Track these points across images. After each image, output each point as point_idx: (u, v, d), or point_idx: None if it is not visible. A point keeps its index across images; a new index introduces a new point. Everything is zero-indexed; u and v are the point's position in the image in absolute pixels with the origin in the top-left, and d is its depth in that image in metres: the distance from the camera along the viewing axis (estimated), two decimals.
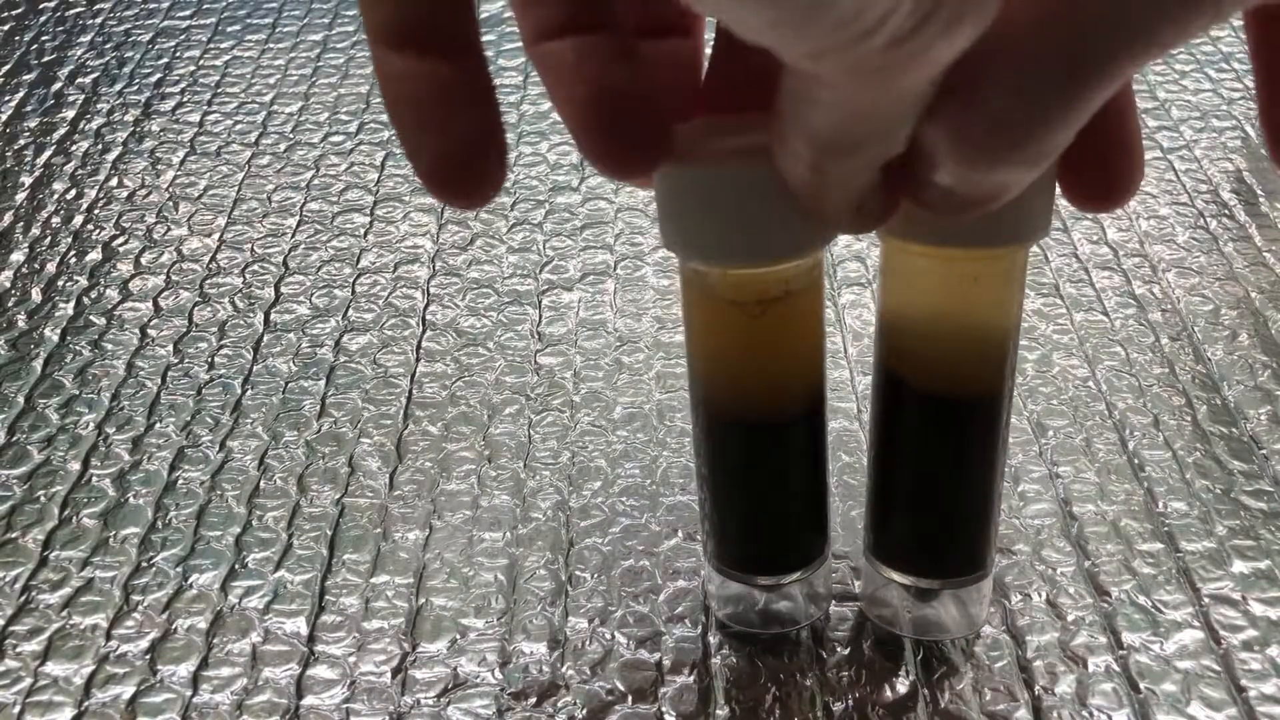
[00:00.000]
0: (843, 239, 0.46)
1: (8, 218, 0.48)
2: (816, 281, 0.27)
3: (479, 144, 0.23)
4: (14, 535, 0.34)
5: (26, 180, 0.51)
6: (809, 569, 0.30)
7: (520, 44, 0.51)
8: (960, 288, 0.27)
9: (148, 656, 0.30)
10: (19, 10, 0.64)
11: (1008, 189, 0.21)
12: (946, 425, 0.29)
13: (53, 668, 0.30)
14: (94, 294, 0.44)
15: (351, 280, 0.44)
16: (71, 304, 0.43)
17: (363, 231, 0.47)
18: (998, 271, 0.27)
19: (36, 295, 0.44)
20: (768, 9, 0.16)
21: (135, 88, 0.57)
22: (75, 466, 0.36)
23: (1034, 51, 0.19)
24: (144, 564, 0.33)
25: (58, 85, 0.58)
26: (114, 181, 0.51)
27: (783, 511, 0.29)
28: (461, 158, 0.23)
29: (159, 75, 0.58)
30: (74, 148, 0.53)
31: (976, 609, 0.30)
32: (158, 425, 0.38)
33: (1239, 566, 0.32)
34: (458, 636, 0.31)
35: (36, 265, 0.45)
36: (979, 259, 0.26)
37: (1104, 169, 0.21)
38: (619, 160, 0.23)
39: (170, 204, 0.49)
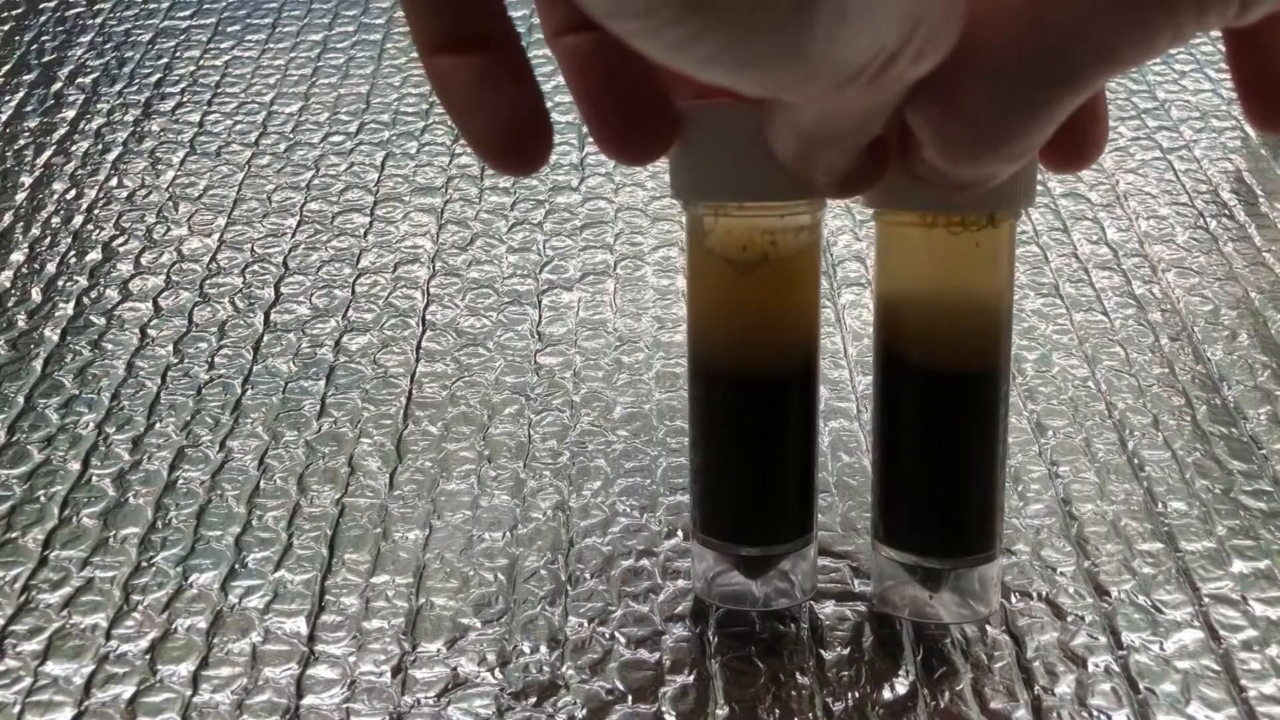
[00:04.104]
0: (842, 240, 0.46)
1: (8, 218, 0.48)
2: (807, 249, 0.28)
3: (523, 116, 0.25)
4: (14, 535, 0.34)
5: (26, 180, 0.51)
6: (792, 544, 0.30)
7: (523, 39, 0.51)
8: (957, 257, 0.28)
9: (148, 656, 0.30)
10: (19, 10, 0.64)
11: (992, 178, 0.23)
12: (948, 399, 0.29)
13: (53, 667, 0.30)
14: (94, 294, 0.44)
15: (351, 280, 0.44)
16: (71, 304, 0.43)
17: (363, 231, 0.47)
18: (994, 237, 0.28)
19: (36, 295, 0.44)
20: (763, 83, 0.18)
21: (135, 88, 0.57)
22: (75, 466, 0.36)
23: (1007, 65, 0.20)
24: (144, 564, 0.33)
25: (58, 85, 0.58)
26: (114, 181, 0.51)
27: (764, 473, 0.30)
28: (509, 130, 0.25)
29: (159, 75, 0.58)
30: (74, 148, 0.53)
31: (986, 594, 0.30)
32: (158, 425, 0.38)
33: (1239, 566, 0.32)
34: (458, 636, 0.31)
35: (36, 265, 0.46)
36: (976, 226, 0.28)
37: (1073, 134, 0.22)
38: (627, 150, 0.26)
39: (170, 204, 0.49)
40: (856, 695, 0.29)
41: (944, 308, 0.29)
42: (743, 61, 0.18)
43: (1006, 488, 0.32)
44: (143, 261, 0.46)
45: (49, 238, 0.47)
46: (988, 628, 0.31)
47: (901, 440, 0.30)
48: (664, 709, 0.29)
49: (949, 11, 0.19)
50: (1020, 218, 0.29)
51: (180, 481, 0.36)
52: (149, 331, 0.42)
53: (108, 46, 0.61)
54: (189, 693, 0.29)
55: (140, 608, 0.32)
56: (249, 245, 0.46)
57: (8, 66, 0.59)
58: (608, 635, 0.31)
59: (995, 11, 0.20)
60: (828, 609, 0.31)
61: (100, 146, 0.53)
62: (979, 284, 0.29)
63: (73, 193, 0.50)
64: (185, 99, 0.56)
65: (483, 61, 0.25)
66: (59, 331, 0.42)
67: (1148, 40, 0.19)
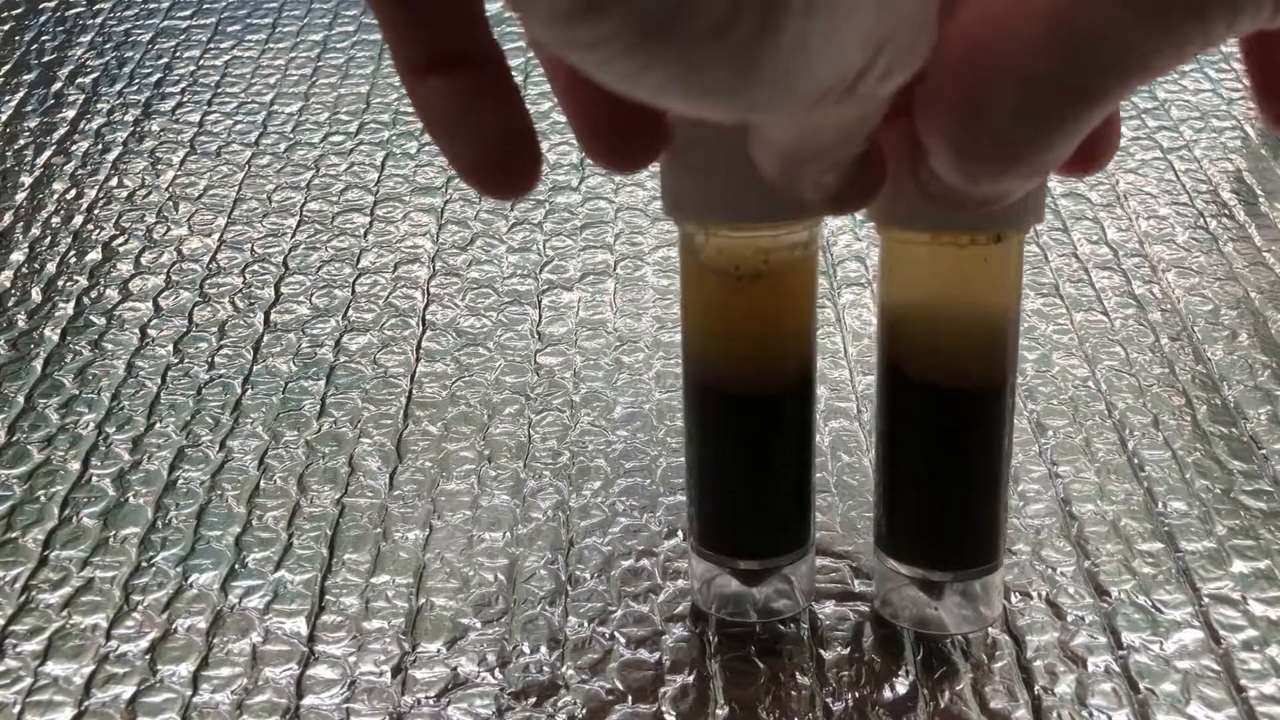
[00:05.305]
0: (842, 240, 0.46)
1: (8, 218, 0.48)
2: (801, 265, 0.28)
3: (508, 140, 0.25)
4: (14, 535, 0.34)
5: (26, 180, 0.51)
6: (787, 557, 0.30)
7: (518, 45, 0.51)
8: (964, 272, 0.28)
9: (148, 656, 0.30)
10: (19, 10, 0.64)
11: (1010, 194, 0.22)
12: (952, 415, 0.29)
13: (53, 668, 0.30)
14: (94, 294, 0.44)
15: (351, 280, 0.44)
16: (71, 304, 0.43)
17: (363, 231, 0.47)
18: (1002, 253, 0.28)
19: (36, 295, 0.44)
20: (723, 111, 0.18)
21: (135, 88, 0.57)
22: (75, 466, 0.36)
23: (1033, 77, 0.20)
24: (144, 564, 0.33)
25: (58, 85, 0.58)
26: (114, 181, 0.51)
27: (760, 488, 0.30)
28: (495, 156, 0.25)
29: (159, 75, 0.58)
30: (74, 148, 0.53)
31: (989, 602, 0.30)
32: (158, 425, 0.38)
33: (1239, 566, 0.32)
34: (458, 636, 0.31)
35: (36, 265, 0.46)
36: (984, 242, 0.27)
37: (1088, 140, 0.22)
38: (614, 157, 0.25)
39: (170, 204, 0.49)
40: (856, 695, 0.29)
41: (950, 323, 0.28)
42: (699, 91, 0.17)
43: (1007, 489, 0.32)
44: (143, 261, 0.46)
45: (49, 238, 0.47)
46: (988, 628, 0.31)
47: (905, 454, 0.30)
48: (664, 709, 0.29)
49: (916, 29, 0.18)
50: (1028, 233, 0.28)
51: (180, 481, 0.36)
52: (149, 331, 0.42)
53: (108, 46, 0.61)
54: (189, 693, 0.29)
55: (140, 608, 0.32)
56: (249, 245, 0.46)
57: (8, 66, 0.59)
58: (608, 635, 0.31)
59: (1019, 23, 0.20)
60: (828, 609, 0.31)
61: (100, 146, 0.53)
62: (986, 300, 0.28)
63: (73, 193, 0.50)
64: (185, 99, 0.56)
65: (466, 83, 0.24)
66: (59, 331, 0.42)
67: (1178, 47, 0.19)
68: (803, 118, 0.20)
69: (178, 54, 0.60)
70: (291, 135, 0.53)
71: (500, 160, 0.25)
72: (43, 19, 0.63)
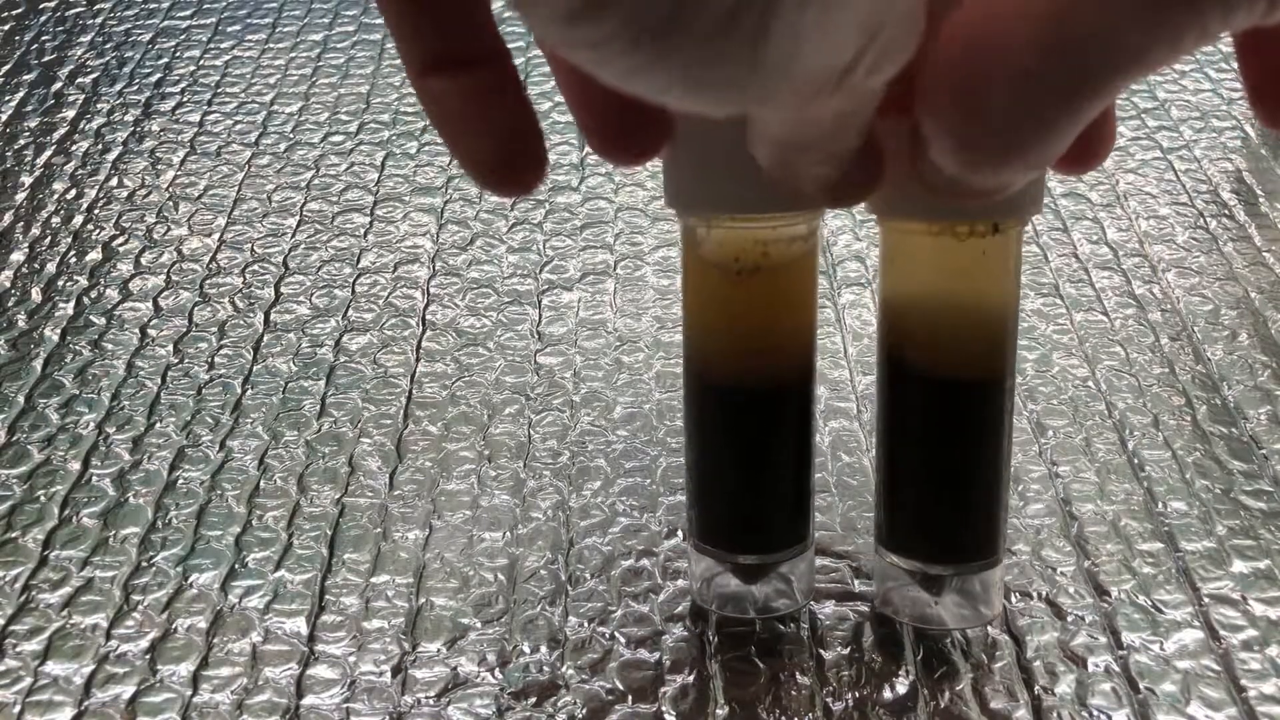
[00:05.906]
0: (842, 240, 0.46)
1: (8, 218, 0.48)
2: (801, 260, 0.28)
3: (514, 138, 0.25)
4: (14, 535, 0.34)
5: (26, 180, 0.51)
6: (787, 553, 0.30)
7: (517, 45, 0.51)
8: (963, 264, 0.28)
9: (148, 656, 0.30)
10: (19, 10, 0.64)
11: (1009, 185, 0.23)
12: (953, 407, 0.29)
13: (53, 667, 0.30)
14: (94, 294, 0.44)
15: (351, 280, 0.44)
16: (71, 304, 0.43)
17: (363, 231, 0.47)
18: (1001, 245, 0.28)
19: (36, 295, 0.44)
20: (720, 107, 0.19)
21: (135, 88, 0.57)
22: (75, 466, 0.36)
23: (1030, 70, 0.20)
24: (144, 564, 0.33)
25: (58, 85, 0.58)
26: (114, 181, 0.51)
27: (759, 483, 0.30)
28: (502, 153, 0.25)
29: (159, 75, 0.58)
30: (74, 148, 0.53)
31: (988, 600, 0.30)
32: (158, 425, 0.38)
33: (1239, 566, 0.32)
34: (458, 636, 0.31)
35: (36, 265, 0.45)
36: (982, 232, 0.27)
37: (1084, 136, 0.22)
38: (619, 151, 0.26)
39: (170, 204, 0.49)
40: (856, 695, 0.29)
41: (949, 315, 0.29)
42: (697, 88, 0.18)
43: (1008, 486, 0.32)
44: (143, 261, 0.46)
45: (49, 238, 0.47)
46: (988, 628, 0.31)
47: (905, 447, 0.30)
48: (664, 709, 0.29)
49: (905, 24, 0.19)
50: (1027, 225, 0.29)
51: (180, 481, 0.36)
52: (149, 331, 0.42)
53: (108, 46, 0.61)
54: (189, 693, 0.29)
55: (140, 608, 0.32)
56: (249, 245, 0.46)
57: (8, 66, 0.59)
58: (608, 635, 0.31)
59: (1019, 22, 0.20)
60: (828, 609, 0.31)
61: (100, 146, 0.53)
62: (985, 291, 0.28)
63: (73, 193, 0.50)
64: (185, 99, 0.56)
65: (474, 82, 0.25)
66: (59, 331, 0.42)
67: (1173, 41, 0.19)
68: (796, 111, 0.20)
69: (178, 54, 0.60)
70: (291, 135, 0.53)
71: (508, 158, 0.25)
72: (43, 19, 0.63)
